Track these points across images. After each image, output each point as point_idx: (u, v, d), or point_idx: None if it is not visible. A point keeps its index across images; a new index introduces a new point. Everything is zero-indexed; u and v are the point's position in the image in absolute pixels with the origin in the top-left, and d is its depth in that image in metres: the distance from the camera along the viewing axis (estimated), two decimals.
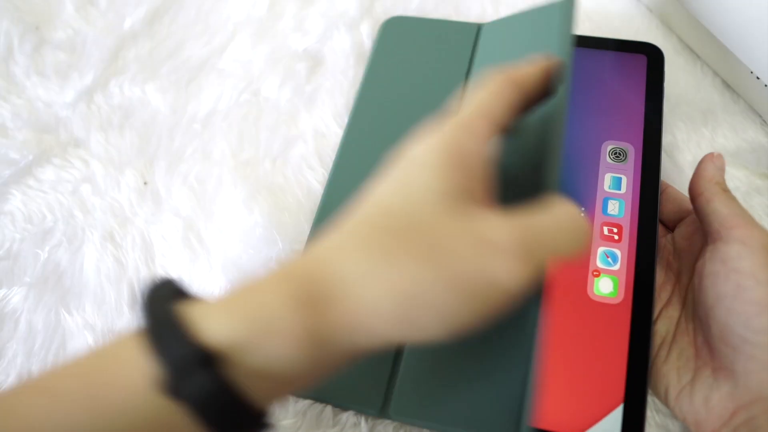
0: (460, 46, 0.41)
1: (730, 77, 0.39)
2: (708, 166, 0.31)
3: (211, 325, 0.20)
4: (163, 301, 0.21)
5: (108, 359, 0.21)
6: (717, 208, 0.29)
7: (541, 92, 0.26)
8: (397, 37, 0.42)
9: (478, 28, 0.41)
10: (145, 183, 0.40)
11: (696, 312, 0.29)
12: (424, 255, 0.20)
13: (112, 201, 0.39)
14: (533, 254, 0.20)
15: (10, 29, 0.45)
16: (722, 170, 0.31)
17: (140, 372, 0.20)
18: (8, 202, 0.39)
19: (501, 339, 0.29)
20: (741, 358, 0.26)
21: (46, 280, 0.36)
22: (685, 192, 0.36)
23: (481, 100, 0.24)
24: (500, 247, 0.20)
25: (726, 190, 0.30)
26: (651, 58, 0.38)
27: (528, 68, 0.25)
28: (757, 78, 0.37)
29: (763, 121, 0.38)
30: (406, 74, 0.40)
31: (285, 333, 0.20)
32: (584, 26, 0.44)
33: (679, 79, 0.40)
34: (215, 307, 0.21)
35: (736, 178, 0.37)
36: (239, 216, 0.38)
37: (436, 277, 0.20)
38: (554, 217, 0.21)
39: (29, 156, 0.41)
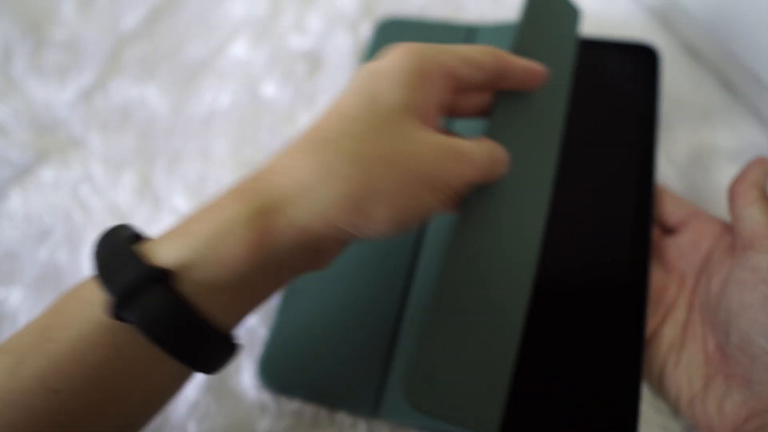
0: None
1: (730, 77, 0.39)
2: (755, 170, 0.29)
3: (163, 249, 0.21)
4: (115, 238, 0.22)
5: (65, 302, 0.22)
6: (754, 214, 0.28)
7: (517, 84, 0.27)
8: (391, 38, 0.42)
9: (467, 30, 0.41)
10: (144, 183, 0.40)
11: (713, 317, 0.29)
12: (389, 157, 0.22)
13: (112, 201, 0.39)
14: (458, 171, 0.23)
15: (10, 29, 0.46)
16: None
17: (91, 304, 0.21)
18: (8, 202, 0.39)
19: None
20: (758, 368, 0.26)
21: (45, 280, 0.36)
22: (683, 194, 0.36)
23: (458, 47, 0.26)
24: (464, 157, 0.23)
25: (767, 198, 0.29)
26: (647, 58, 0.37)
27: (519, 62, 0.27)
28: (758, 78, 0.37)
29: (763, 121, 0.38)
30: None
31: (234, 241, 0.21)
32: (584, 26, 0.43)
33: (679, 79, 0.40)
34: (169, 234, 0.22)
35: None
36: None
37: (398, 175, 0.22)
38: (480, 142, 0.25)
39: (29, 156, 0.41)
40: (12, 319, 0.35)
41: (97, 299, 0.21)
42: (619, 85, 0.37)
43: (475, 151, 0.24)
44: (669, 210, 0.33)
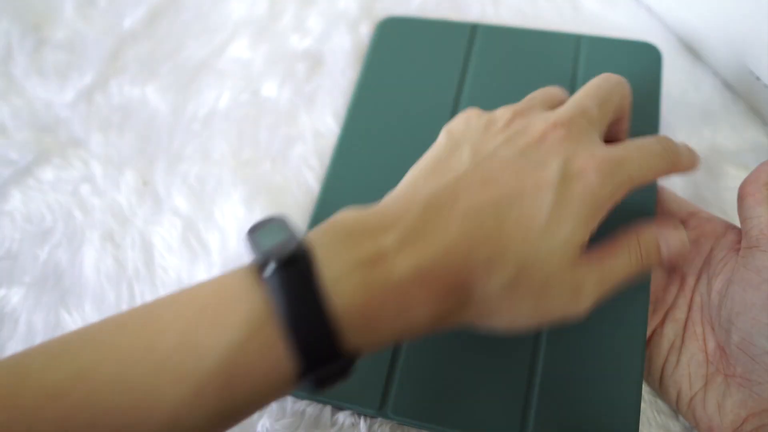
0: (455, 46, 0.41)
1: (730, 77, 0.39)
2: (767, 169, 0.29)
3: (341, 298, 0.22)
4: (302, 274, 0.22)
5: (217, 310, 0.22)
6: (762, 213, 0.28)
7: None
8: (393, 38, 0.42)
9: (472, 28, 0.41)
10: (144, 183, 0.40)
11: (714, 316, 0.29)
12: (536, 293, 0.24)
13: (112, 201, 0.39)
14: (603, 294, 0.25)
15: (10, 29, 0.46)
16: None
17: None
18: (8, 202, 0.39)
19: (506, 340, 0.29)
20: (758, 368, 0.26)
21: (45, 280, 0.36)
22: (684, 194, 0.36)
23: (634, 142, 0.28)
24: (585, 297, 0.25)
25: None
26: (647, 57, 0.37)
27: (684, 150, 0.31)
28: (758, 78, 0.37)
29: (764, 121, 0.38)
30: (402, 74, 0.40)
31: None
32: (584, 26, 0.43)
33: (679, 79, 0.40)
34: (341, 272, 0.22)
35: (737, 178, 0.37)
36: (239, 216, 0.37)
37: (534, 311, 0.24)
38: (621, 259, 0.26)
39: (29, 156, 0.41)
40: (12, 319, 0.35)
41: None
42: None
43: (620, 267, 0.26)
44: (670, 209, 0.33)
